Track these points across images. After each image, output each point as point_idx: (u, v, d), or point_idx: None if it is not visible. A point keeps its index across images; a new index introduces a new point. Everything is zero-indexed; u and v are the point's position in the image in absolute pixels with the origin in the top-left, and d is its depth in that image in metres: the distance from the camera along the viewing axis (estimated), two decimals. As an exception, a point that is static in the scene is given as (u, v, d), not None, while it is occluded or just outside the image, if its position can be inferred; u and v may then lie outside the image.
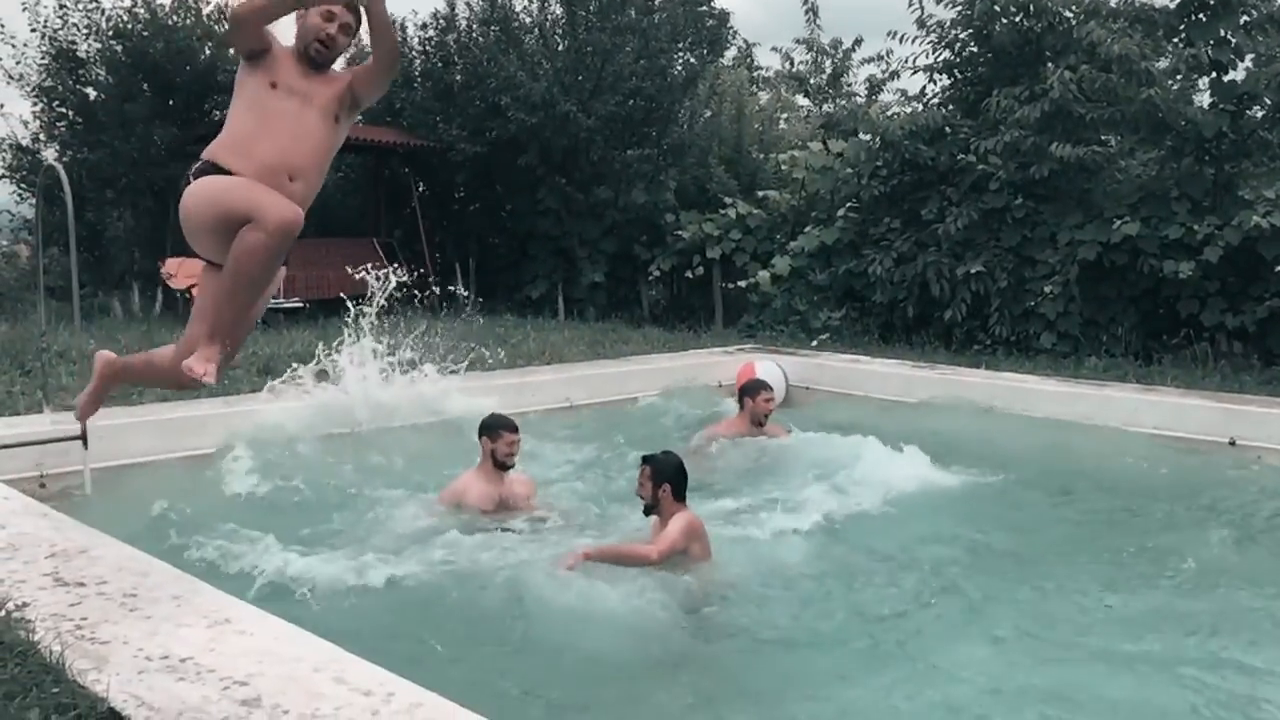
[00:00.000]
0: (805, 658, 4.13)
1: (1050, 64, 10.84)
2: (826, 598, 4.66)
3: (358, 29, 3.79)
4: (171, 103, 15.23)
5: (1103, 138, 10.96)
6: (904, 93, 13.51)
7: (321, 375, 7.09)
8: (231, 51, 14.39)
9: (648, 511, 4.81)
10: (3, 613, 3.03)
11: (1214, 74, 10.04)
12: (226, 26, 3.71)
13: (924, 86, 12.29)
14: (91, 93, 15.27)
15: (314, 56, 3.72)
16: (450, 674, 3.60)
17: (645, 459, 4.82)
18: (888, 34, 12.14)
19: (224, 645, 2.87)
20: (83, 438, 5.68)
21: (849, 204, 12.54)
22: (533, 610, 4.23)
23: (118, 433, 6.10)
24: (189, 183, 3.62)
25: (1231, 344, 9.97)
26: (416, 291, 10.59)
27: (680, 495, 4.78)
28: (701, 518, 4.86)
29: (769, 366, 9.23)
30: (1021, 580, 4.94)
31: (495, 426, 5.48)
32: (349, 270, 12.45)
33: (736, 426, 7.22)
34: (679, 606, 4.37)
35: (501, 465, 5.47)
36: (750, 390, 7.28)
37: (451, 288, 13.57)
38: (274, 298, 13.76)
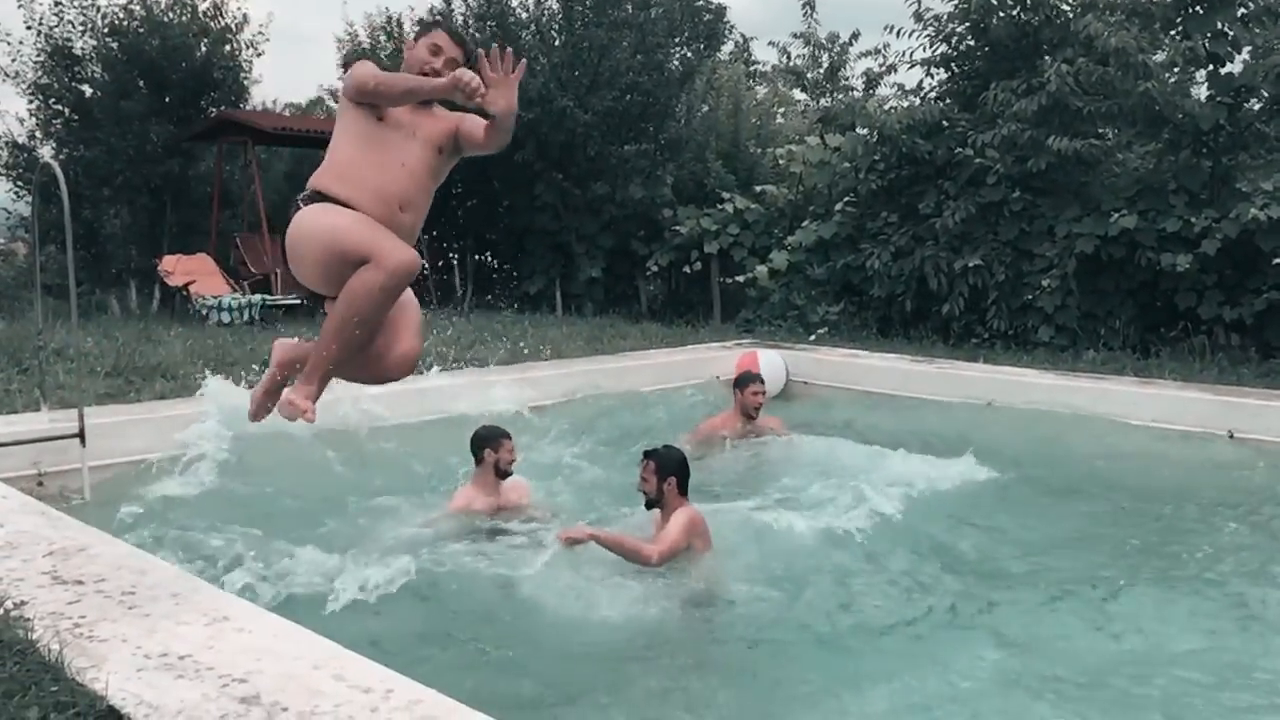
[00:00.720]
0: (807, 656, 4.13)
1: (1047, 57, 10.83)
2: (827, 596, 4.65)
3: (464, 65, 3.69)
4: (168, 99, 15.21)
5: (1100, 131, 10.95)
6: (901, 87, 13.52)
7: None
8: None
9: (650, 505, 4.81)
10: (1, 611, 3.03)
11: (1211, 67, 10.03)
12: (354, 83, 3.55)
13: (921, 80, 12.31)
14: (87, 90, 15.24)
15: None
16: (450, 672, 3.60)
17: (648, 453, 4.82)
18: (885, 28, 12.15)
19: (223, 643, 2.87)
20: (80, 436, 5.68)
21: (846, 198, 12.53)
22: (533, 609, 4.24)
23: (115, 430, 6.09)
24: (298, 209, 3.53)
25: (1229, 336, 9.97)
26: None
27: (684, 489, 4.78)
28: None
29: (770, 355, 9.22)
30: (1026, 579, 4.90)
31: (495, 436, 5.47)
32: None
33: (729, 422, 7.19)
34: (680, 604, 4.37)
35: (504, 474, 5.47)
36: (740, 383, 7.25)
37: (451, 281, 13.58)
38: (270, 293, 13.78)
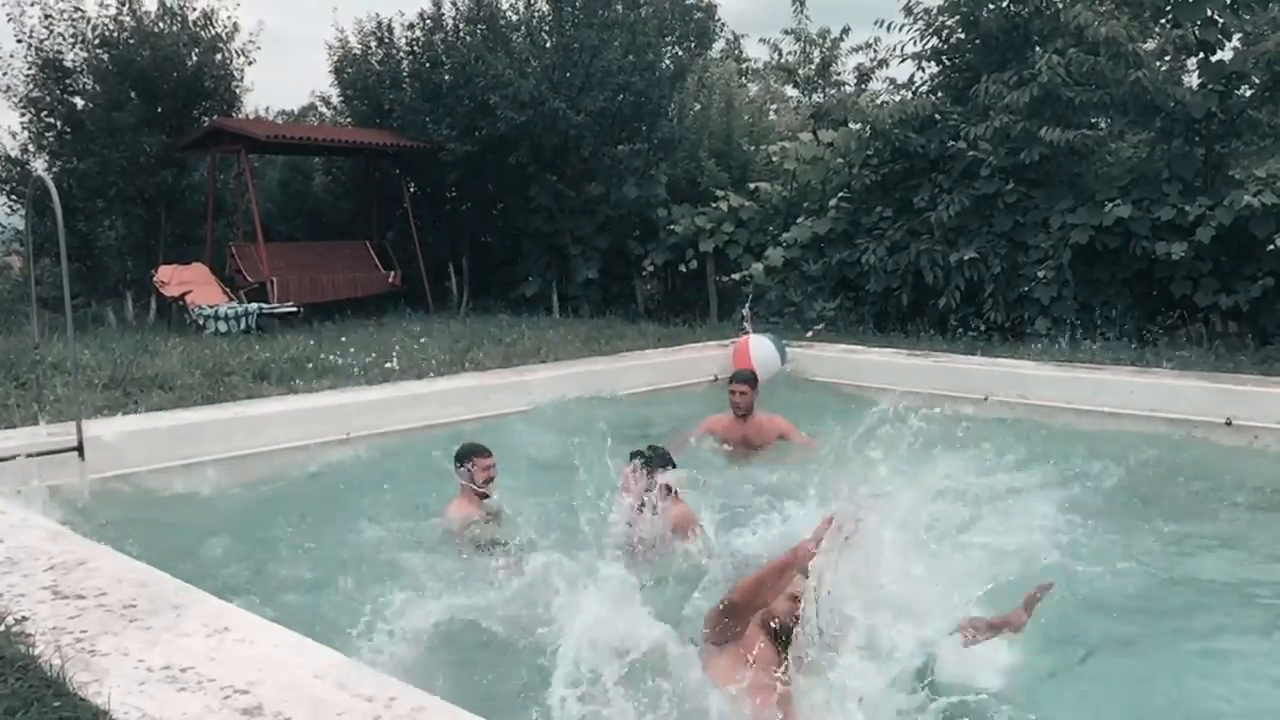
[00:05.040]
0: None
1: (1038, 48, 10.84)
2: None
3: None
4: (160, 110, 15.19)
5: (1092, 121, 10.97)
6: (893, 81, 13.61)
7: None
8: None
9: (642, 507, 4.83)
10: (2, 627, 3.03)
11: (1202, 54, 10.04)
12: (716, 623, 3.67)
13: (913, 74, 12.33)
14: (79, 102, 15.22)
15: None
16: (451, 680, 3.60)
17: (635, 455, 4.86)
18: (875, 22, 12.16)
19: (224, 654, 2.87)
20: (79, 449, 5.68)
21: (840, 194, 12.54)
22: (530, 615, 4.22)
23: (114, 442, 6.09)
24: None
25: (1226, 324, 9.97)
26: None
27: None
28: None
29: (760, 341, 9.18)
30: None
31: (473, 454, 5.46)
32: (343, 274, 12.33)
33: (723, 422, 7.15)
34: (679, 607, 4.36)
35: (484, 490, 5.46)
36: (730, 380, 7.23)
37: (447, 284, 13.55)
38: (267, 301, 13.74)
